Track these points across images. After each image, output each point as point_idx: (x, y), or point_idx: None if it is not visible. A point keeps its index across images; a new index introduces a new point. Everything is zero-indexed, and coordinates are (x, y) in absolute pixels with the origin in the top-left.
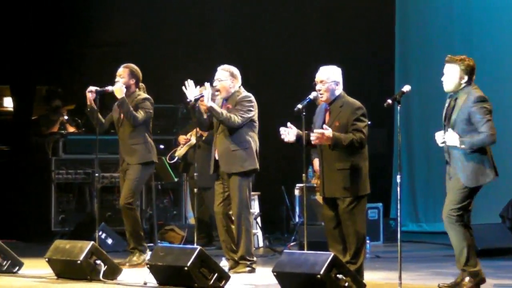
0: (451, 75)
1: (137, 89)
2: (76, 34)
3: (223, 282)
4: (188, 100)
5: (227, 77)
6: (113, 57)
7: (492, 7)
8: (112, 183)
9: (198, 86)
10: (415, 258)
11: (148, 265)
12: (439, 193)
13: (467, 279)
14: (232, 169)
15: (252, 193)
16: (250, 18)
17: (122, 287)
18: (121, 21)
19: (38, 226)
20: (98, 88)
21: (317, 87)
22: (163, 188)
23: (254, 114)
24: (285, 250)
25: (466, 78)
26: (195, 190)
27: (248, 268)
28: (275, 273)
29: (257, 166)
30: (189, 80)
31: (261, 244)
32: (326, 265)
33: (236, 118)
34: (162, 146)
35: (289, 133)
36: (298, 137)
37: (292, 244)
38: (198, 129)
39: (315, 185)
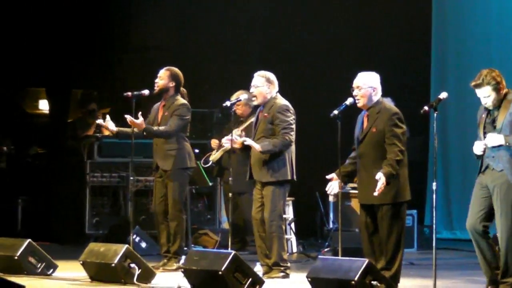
0: (487, 97)
1: (178, 94)
2: (113, 38)
3: (257, 287)
4: (224, 105)
5: (264, 83)
6: (149, 62)
7: None
8: (147, 186)
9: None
10: (449, 266)
11: (182, 269)
12: None
13: None
14: (263, 178)
15: (287, 198)
16: (288, 24)
17: None
18: (158, 25)
19: (72, 229)
20: (135, 92)
21: (354, 93)
22: (198, 192)
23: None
24: (319, 256)
25: (500, 91)
26: (230, 194)
27: (282, 274)
28: (309, 279)
29: (291, 176)
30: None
31: (295, 249)
32: (360, 271)
33: (286, 138)
34: (197, 150)
35: (333, 187)
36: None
37: (326, 250)
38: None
39: (350, 189)
